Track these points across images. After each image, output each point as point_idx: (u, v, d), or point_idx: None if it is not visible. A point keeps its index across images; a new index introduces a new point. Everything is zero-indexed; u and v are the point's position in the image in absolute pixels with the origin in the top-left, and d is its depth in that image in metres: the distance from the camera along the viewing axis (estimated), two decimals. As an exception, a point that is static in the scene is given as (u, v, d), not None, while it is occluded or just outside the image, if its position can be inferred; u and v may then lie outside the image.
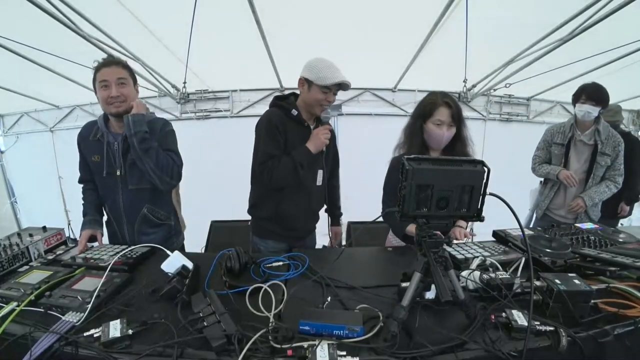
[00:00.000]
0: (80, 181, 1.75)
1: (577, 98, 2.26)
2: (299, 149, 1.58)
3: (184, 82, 3.35)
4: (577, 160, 2.35)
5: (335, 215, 2.06)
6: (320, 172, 1.76)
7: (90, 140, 1.60)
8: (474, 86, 3.83)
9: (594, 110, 2.17)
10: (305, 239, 1.87)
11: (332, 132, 1.72)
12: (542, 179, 2.55)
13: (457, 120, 1.52)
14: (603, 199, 2.32)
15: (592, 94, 2.18)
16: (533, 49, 2.82)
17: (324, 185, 1.82)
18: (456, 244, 1.41)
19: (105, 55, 1.62)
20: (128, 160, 1.58)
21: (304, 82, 1.59)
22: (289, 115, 1.62)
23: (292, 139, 1.61)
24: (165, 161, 1.54)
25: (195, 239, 1.86)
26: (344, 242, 2.35)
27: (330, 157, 1.84)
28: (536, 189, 2.58)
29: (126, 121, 1.45)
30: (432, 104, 1.52)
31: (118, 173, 1.58)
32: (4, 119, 4.79)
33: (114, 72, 1.50)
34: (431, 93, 1.59)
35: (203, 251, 2.19)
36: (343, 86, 1.58)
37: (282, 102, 1.66)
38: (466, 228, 1.62)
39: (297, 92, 1.69)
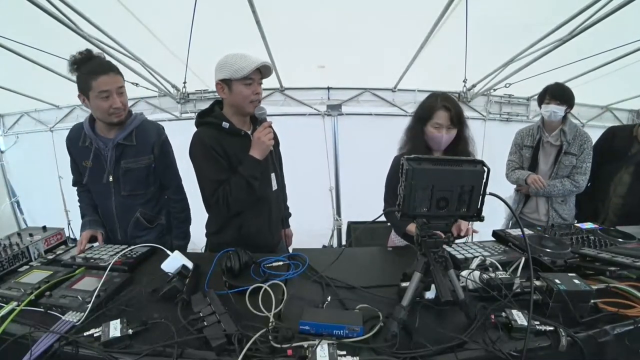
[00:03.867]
0: (74, 184, 1.71)
1: (541, 99, 2.24)
2: (244, 163, 1.42)
3: (184, 82, 3.34)
4: (545, 162, 2.32)
5: (285, 217, 1.89)
6: (273, 176, 1.61)
7: (79, 146, 1.55)
8: (473, 86, 3.83)
9: (560, 110, 2.14)
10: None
11: (272, 129, 1.51)
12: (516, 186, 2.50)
13: (458, 122, 1.51)
14: (553, 193, 2.25)
15: (555, 92, 2.16)
16: (533, 49, 2.81)
17: (280, 188, 1.70)
18: (456, 244, 1.41)
19: (85, 50, 1.47)
20: (121, 168, 1.54)
21: (222, 84, 1.41)
22: (222, 130, 1.44)
23: (234, 155, 1.44)
24: (185, 216, 1.78)
25: (196, 239, 1.86)
26: (344, 242, 2.33)
27: (278, 156, 1.71)
28: (510, 197, 2.56)
29: None
30: (430, 107, 1.52)
31: (110, 179, 1.54)
32: (4, 119, 4.78)
33: (114, 80, 1.40)
34: (431, 95, 1.58)
35: (203, 251, 2.19)
36: (265, 71, 1.43)
37: (208, 118, 1.47)
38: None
39: (220, 99, 1.52)
